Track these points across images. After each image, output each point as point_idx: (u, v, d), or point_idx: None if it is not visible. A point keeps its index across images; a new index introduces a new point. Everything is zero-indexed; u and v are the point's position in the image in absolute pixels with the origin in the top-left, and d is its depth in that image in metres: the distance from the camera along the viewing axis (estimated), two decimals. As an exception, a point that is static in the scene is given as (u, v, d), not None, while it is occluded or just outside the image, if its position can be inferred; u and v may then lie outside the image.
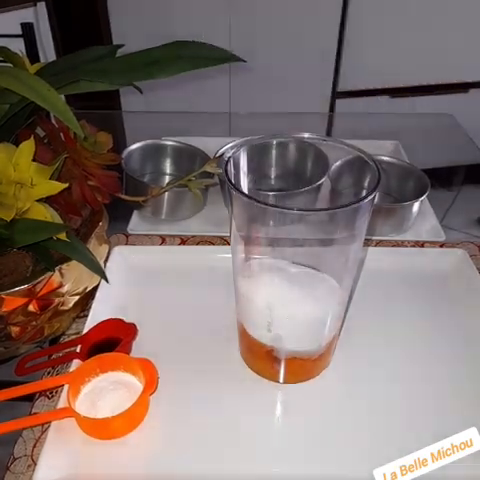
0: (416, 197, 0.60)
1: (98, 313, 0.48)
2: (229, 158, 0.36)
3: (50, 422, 0.40)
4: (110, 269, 0.52)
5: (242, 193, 0.34)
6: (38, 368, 0.44)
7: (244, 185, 0.39)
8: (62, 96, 0.39)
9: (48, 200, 0.42)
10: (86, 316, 0.49)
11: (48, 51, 1.32)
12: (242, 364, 0.45)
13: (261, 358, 0.43)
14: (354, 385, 0.44)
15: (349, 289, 0.41)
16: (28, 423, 0.40)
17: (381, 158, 0.66)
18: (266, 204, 0.33)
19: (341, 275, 0.39)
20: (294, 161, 0.64)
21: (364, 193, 0.33)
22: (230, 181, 0.35)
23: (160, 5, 1.42)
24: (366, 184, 0.38)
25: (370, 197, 0.33)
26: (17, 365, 0.43)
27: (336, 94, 1.58)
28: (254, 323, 0.41)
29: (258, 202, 0.33)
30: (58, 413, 0.40)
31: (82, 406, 0.40)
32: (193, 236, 0.61)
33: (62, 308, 0.45)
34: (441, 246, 0.59)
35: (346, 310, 0.44)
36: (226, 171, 0.35)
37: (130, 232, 0.62)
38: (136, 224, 0.63)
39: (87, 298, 0.49)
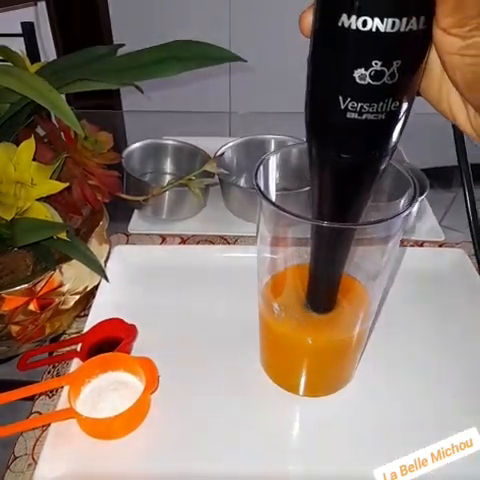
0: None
1: (98, 312, 0.48)
2: (259, 164, 0.35)
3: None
4: (110, 268, 0.52)
5: (273, 204, 0.33)
6: (39, 364, 0.45)
7: (273, 192, 0.38)
8: (62, 95, 0.39)
9: (48, 199, 0.42)
10: (87, 315, 0.49)
11: (48, 50, 1.32)
12: (243, 363, 0.45)
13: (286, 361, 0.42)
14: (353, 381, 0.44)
15: (379, 291, 0.40)
16: (30, 425, 0.40)
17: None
18: (301, 217, 0.32)
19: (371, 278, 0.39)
20: (296, 160, 0.64)
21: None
22: (260, 190, 0.34)
23: (160, 5, 1.42)
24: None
25: (408, 210, 0.32)
26: (19, 361, 0.44)
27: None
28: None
29: (292, 215, 0.32)
30: (60, 414, 0.40)
31: (83, 406, 0.40)
32: (193, 236, 0.61)
33: (63, 307, 0.45)
34: (440, 246, 0.60)
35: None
36: (256, 176, 0.34)
37: (130, 231, 0.62)
38: (136, 224, 0.63)
39: (87, 297, 0.49)
